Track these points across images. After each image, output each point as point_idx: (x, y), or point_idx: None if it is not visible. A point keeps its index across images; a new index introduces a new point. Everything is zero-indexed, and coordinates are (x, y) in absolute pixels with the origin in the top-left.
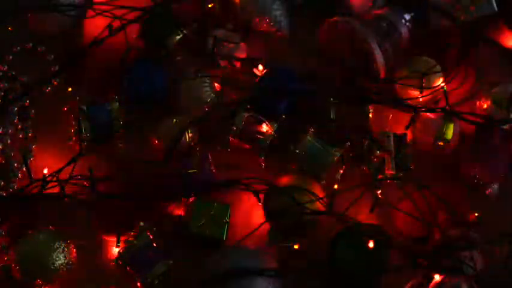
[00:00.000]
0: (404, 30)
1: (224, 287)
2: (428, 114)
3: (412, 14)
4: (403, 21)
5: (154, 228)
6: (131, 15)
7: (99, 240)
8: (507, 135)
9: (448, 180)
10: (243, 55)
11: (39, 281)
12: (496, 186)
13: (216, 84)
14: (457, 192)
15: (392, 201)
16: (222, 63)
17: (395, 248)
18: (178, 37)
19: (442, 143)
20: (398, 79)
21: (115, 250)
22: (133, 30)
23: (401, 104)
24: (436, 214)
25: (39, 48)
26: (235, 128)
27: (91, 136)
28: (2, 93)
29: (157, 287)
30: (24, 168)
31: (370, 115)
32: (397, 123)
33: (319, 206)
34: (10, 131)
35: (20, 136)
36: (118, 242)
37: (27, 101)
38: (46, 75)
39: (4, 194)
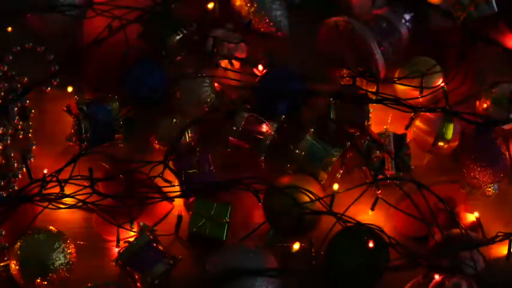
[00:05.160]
0: (404, 30)
1: (224, 287)
2: (428, 114)
3: (412, 14)
4: (403, 21)
5: (155, 228)
6: (131, 15)
7: (99, 240)
8: (507, 135)
9: (448, 180)
10: (243, 55)
11: (39, 281)
12: (496, 186)
13: (216, 84)
14: (457, 192)
15: (392, 201)
16: (222, 63)
17: (395, 248)
18: (178, 37)
19: (442, 143)
20: (398, 79)
21: (115, 250)
22: (133, 30)
23: (401, 104)
24: (436, 214)
25: (39, 48)
26: (235, 128)
27: (91, 136)
28: (2, 93)
29: (157, 287)
30: (24, 169)
31: (370, 115)
32: (397, 123)
33: (319, 206)
34: (10, 131)
35: (20, 136)
36: (118, 242)
37: (27, 101)
38: (46, 75)
39: (4, 194)
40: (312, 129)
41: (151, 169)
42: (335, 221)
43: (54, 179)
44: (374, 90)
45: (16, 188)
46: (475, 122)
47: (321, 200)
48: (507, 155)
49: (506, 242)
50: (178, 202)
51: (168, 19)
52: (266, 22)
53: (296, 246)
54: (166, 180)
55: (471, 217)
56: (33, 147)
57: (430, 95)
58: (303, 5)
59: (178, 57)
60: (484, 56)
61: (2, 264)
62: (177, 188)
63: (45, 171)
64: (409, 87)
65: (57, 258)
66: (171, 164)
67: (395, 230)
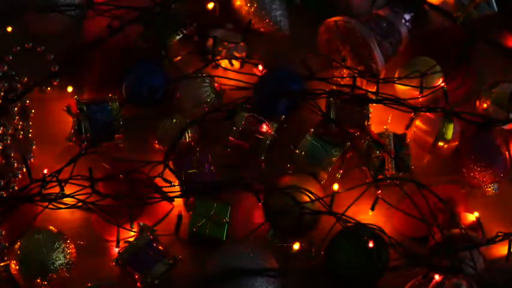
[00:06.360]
0: (404, 30)
1: (224, 287)
2: (428, 114)
3: (412, 14)
4: (403, 21)
5: (155, 228)
6: (131, 15)
7: (99, 240)
8: (507, 135)
9: (448, 180)
10: (243, 55)
11: (39, 281)
12: (496, 186)
13: (216, 84)
14: (457, 192)
15: (392, 201)
16: (222, 63)
17: (395, 248)
18: (178, 37)
19: (442, 143)
20: (398, 79)
21: (115, 250)
22: (133, 30)
23: (401, 104)
24: (436, 214)
25: (39, 48)
26: (235, 128)
27: (91, 136)
28: (2, 93)
29: (157, 287)
30: (24, 169)
31: (370, 115)
32: (397, 123)
33: (319, 206)
34: (10, 131)
35: (20, 136)
36: (118, 242)
37: (27, 101)
38: (46, 75)
39: (4, 194)
40: (312, 129)
41: (151, 169)
42: (335, 221)
43: (54, 179)
44: (374, 90)
45: (16, 188)
46: (475, 122)
47: (321, 200)
48: (507, 155)
49: (506, 242)
50: (178, 202)
51: (168, 19)
52: (266, 22)
53: (296, 246)
54: (166, 180)
55: (471, 217)
56: (33, 147)
57: (430, 95)
58: (303, 5)
59: (178, 57)
60: (484, 56)
61: (2, 264)
62: (177, 188)
63: (45, 171)
64: (409, 87)
65: (57, 258)
66: (171, 164)
67: (395, 230)
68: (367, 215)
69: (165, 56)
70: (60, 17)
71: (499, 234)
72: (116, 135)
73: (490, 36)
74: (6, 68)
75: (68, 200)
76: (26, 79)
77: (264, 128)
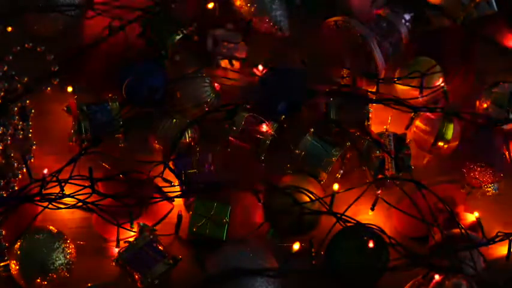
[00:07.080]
0: (404, 30)
1: (224, 287)
2: (428, 114)
3: (412, 14)
4: (403, 21)
5: (155, 228)
6: (131, 15)
7: (99, 240)
8: (507, 135)
9: (448, 180)
10: (243, 55)
11: (39, 281)
12: (496, 186)
13: (216, 84)
14: (457, 192)
15: (392, 201)
16: (222, 63)
17: (395, 248)
18: (178, 37)
19: (442, 143)
20: (398, 79)
21: (115, 250)
22: (133, 30)
23: (401, 104)
24: (436, 214)
25: (39, 48)
26: (235, 128)
27: (91, 136)
28: (2, 93)
29: (157, 287)
30: (24, 169)
31: (370, 115)
32: (397, 123)
33: (319, 206)
34: (10, 131)
35: (20, 136)
36: (118, 242)
37: (27, 101)
38: (46, 75)
39: (4, 194)
40: (312, 129)
41: (151, 169)
42: (335, 221)
43: (54, 179)
44: (374, 90)
45: (16, 188)
46: (475, 122)
47: (321, 200)
48: (507, 155)
49: (506, 242)
50: (178, 202)
51: (168, 19)
52: (266, 22)
53: (296, 246)
54: (166, 180)
55: (471, 217)
56: (33, 147)
57: (430, 95)
58: (303, 5)
59: (178, 57)
60: (484, 56)
61: (2, 264)
62: (177, 188)
63: (45, 171)
64: (409, 87)
65: (57, 258)
66: (171, 164)
67: (395, 230)
68: (367, 215)
69: (165, 56)
70: (60, 17)
71: (499, 234)
72: (116, 135)
73: (490, 36)
74: (6, 68)
75: (68, 200)
76: (26, 79)
77: (264, 128)
